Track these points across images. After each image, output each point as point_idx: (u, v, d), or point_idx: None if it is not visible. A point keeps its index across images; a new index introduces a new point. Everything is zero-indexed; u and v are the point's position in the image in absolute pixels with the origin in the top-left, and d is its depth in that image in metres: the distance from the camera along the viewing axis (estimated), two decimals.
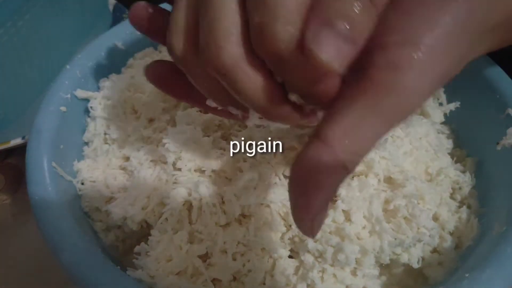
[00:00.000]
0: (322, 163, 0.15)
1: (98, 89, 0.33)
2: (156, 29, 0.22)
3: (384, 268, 0.26)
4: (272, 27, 0.15)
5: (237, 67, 0.17)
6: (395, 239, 0.24)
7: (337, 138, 0.15)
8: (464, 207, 0.28)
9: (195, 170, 0.28)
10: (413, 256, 0.25)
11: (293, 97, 0.18)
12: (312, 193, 0.16)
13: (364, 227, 0.24)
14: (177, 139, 0.28)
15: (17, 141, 0.37)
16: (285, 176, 0.27)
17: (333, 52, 0.14)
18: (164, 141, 0.28)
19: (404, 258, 0.25)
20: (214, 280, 0.25)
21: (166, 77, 0.23)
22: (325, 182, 0.16)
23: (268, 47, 0.16)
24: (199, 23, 0.18)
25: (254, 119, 0.21)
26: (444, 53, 0.15)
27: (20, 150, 0.38)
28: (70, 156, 0.30)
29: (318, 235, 0.24)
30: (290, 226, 0.25)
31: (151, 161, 0.29)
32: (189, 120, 0.30)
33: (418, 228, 0.24)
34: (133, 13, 0.22)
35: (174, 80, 0.22)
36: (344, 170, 0.16)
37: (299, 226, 0.17)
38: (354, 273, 0.24)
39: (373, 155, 0.26)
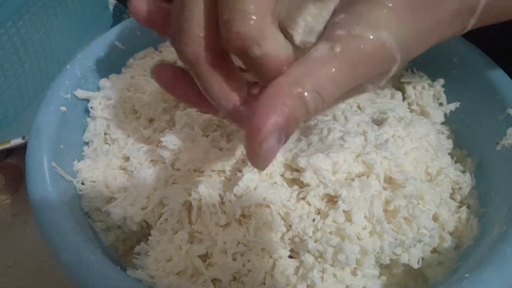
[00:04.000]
0: (282, 88, 0.18)
1: (98, 89, 0.33)
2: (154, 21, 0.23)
3: (384, 268, 0.26)
4: (237, 24, 0.18)
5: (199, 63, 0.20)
6: (395, 239, 0.24)
7: (299, 73, 0.18)
8: (464, 207, 0.28)
9: (194, 170, 0.28)
10: (413, 257, 0.25)
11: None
12: (265, 115, 0.17)
13: (364, 228, 0.24)
14: (176, 139, 0.28)
15: (17, 141, 0.37)
16: (284, 177, 0.27)
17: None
18: (163, 140, 0.28)
19: (404, 258, 0.25)
20: (214, 280, 0.25)
21: (172, 80, 0.24)
22: (279, 107, 0.17)
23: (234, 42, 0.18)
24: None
25: None
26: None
27: (20, 150, 0.38)
28: (70, 156, 0.30)
29: (318, 235, 0.24)
30: (290, 226, 0.25)
31: (151, 161, 0.29)
32: (188, 120, 0.30)
33: (418, 229, 0.24)
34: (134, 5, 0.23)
35: (179, 83, 0.23)
36: (300, 101, 0.18)
37: (248, 151, 0.18)
38: (354, 273, 0.24)
39: (375, 155, 0.26)
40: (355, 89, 0.22)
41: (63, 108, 0.30)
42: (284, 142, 0.18)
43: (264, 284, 0.25)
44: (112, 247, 0.29)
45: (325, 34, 0.19)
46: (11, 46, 0.38)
